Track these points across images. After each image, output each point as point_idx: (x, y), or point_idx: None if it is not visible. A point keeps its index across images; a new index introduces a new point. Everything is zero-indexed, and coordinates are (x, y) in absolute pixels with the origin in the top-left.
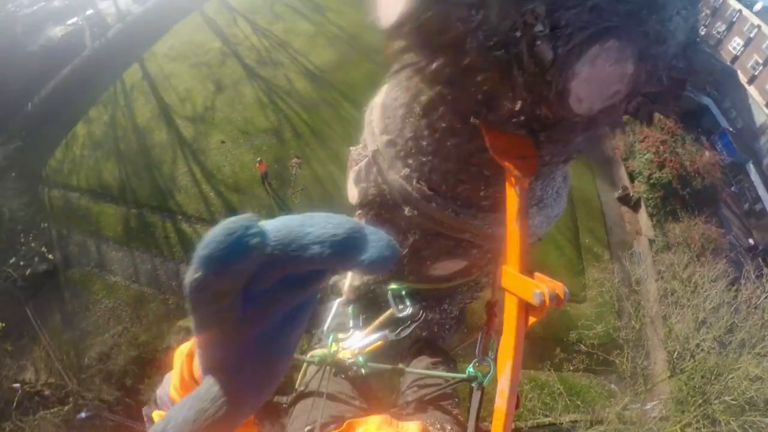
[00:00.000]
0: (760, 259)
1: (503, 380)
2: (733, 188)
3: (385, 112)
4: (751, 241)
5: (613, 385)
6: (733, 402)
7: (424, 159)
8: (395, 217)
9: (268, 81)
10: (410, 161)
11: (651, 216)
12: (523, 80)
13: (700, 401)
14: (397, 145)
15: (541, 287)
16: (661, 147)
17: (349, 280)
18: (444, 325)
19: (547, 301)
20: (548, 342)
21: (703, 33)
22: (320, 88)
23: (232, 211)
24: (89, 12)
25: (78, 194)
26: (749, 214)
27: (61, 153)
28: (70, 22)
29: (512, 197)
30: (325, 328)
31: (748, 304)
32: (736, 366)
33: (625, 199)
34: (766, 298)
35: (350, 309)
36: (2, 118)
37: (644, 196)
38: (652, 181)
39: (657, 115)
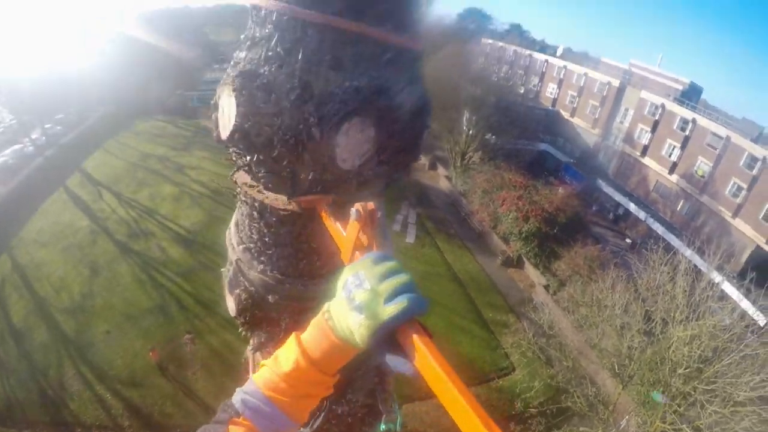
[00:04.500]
0: (643, 250)
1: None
2: (594, 208)
3: (238, 228)
4: (627, 240)
5: (581, 428)
6: (687, 370)
7: (270, 252)
8: (267, 311)
9: (142, 255)
10: (262, 258)
11: (536, 266)
12: (309, 155)
13: (662, 389)
14: (251, 250)
15: (356, 206)
16: (520, 202)
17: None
18: (356, 414)
19: (361, 210)
20: (499, 423)
21: (522, 91)
22: (194, 251)
23: (134, 410)
24: None
25: None
26: (617, 221)
27: None
28: None
29: (325, 218)
30: None
31: (650, 289)
32: (669, 342)
33: (507, 262)
34: (661, 275)
35: None
36: None
37: (522, 251)
38: (523, 236)
39: (507, 175)
